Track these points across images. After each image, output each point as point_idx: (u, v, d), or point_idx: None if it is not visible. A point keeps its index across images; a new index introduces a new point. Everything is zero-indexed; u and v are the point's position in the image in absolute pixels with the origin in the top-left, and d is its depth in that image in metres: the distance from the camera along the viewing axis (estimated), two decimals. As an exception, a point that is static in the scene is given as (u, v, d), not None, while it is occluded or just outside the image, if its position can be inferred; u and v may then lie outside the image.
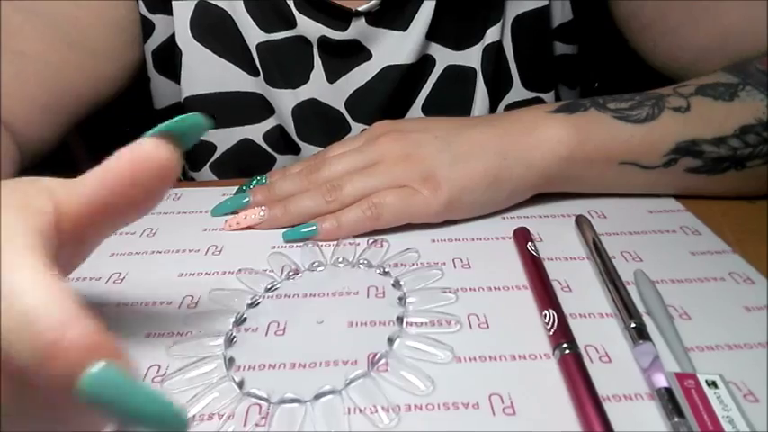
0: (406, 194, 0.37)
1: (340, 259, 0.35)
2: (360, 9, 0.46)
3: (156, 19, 0.49)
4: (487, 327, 0.30)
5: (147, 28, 0.50)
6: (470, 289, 0.32)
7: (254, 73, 0.49)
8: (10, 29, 0.44)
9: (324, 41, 0.47)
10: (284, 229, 0.38)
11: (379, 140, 0.39)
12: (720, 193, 0.40)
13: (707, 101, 0.38)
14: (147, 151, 0.20)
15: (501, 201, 0.39)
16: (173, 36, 0.49)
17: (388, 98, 0.49)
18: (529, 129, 0.38)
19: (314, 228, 0.37)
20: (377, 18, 0.47)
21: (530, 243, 0.35)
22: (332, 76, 0.49)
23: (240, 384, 0.26)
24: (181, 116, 0.22)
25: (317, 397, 0.25)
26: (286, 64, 0.49)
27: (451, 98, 0.50)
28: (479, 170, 0.37)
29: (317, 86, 0.49)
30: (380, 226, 0.37)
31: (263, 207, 0.39)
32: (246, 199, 0.40)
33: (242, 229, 0.39)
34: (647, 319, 0.29)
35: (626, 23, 0.49)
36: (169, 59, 0.51)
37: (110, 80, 0.49)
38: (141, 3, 0.49)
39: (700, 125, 0.37)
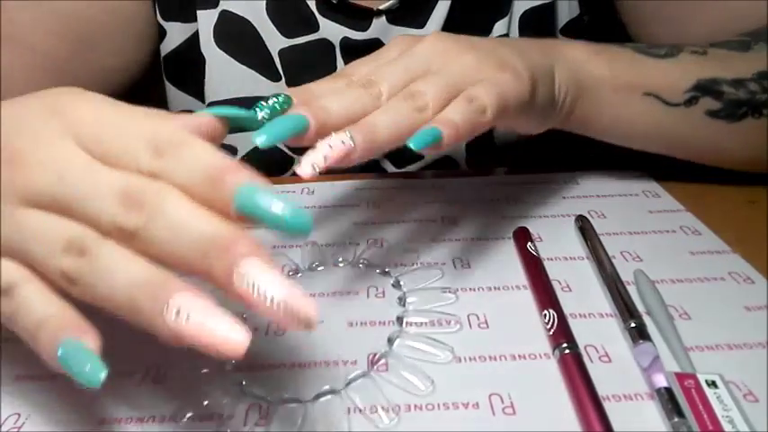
0: (492, 84, 0.30)
1: (340, 259, 0.35)
2: (380, 8, 0.47)
3: (169, 26, 0.50)
4: (487, 327, 0.30)
5: (159, 35, 0.51)
6: (470, 289, 0.32)
7: (276, 78, 0.50)
8: (21, 24, 0.45)
9: (346, 43, 0.48)
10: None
11: (424, 41, 0.32)
12: (737, 151, 0.40)
13: (722, 50, 0.39)
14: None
15: (555, 101, 0.36)
16: (183, 44, 0.50)
17: None
18: (556, 45, 0.37)
19: (438, 132, 0.27)
20: (396, 16, 0.48)
21: (530, 243, 0.35)
22: None
23: (240, 384, 0.26)
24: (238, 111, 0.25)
25: (317, 397, 0.25)
26: (309, 67, 0.49)
27: None
28: (537, 61, 0.34)
29: None
30: (489, 119, 0.29)
31: (348, 132, 0.27)
32: (303, 125, 0.27)
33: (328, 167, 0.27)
34: (646, 319, 0.29)
35: (629, 14, 0.50)
36: (179, 68, 0.52)
37: (115, 74, 0.50)
38: (156, 9, 0.49)
39: (719, 66, 0.38)
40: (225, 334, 0.18)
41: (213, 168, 0.20)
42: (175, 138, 0.21)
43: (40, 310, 0.21)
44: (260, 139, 0.25)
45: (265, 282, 0.19)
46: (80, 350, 0.20)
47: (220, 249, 0.19)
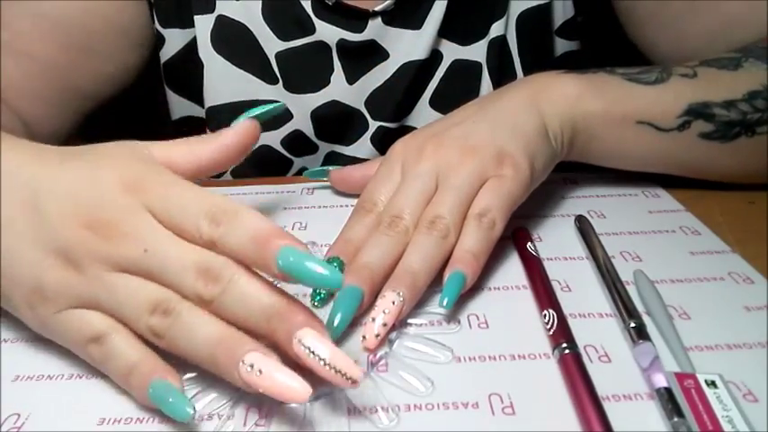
0: (496, 186, 0.33)
1: (340, 259, 0.35)
2: (376, 9, 0.47)
3: (167, 33, 0.51)
4: (487, 327, 0.30)
5: (158, 42, 0.51)
6: (470, 289, 0.32)
7: (273, 81, 0.51)
8: (20, 32, 0.45)
9: (342, 45, 0.48)
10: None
11: (424, 156, 0.34)
12: (733, 168, 0.40)
13: (712, 70, 0.39)
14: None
15: (552, 155, 0.37)
16: (182, 50, 0.51)
17: (404, 94, 0.50)
18: (546, 86, 0.38)
19: (462, 279, 0.30)
20: (392, 17, 0.48)
21: (529, 243, 0.35)
22: (352, 78, 0.50)
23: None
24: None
25: (317, 397, 0.25)
26: (306, 70, 0.50)
27: (458, 91, 0.51)
28: (532, 128, 0.36)
29: (338, 88, 0.50)
30: (499, 230, 0.32)
31: (395, 290, 0.29)
32: (359, 296, 0.29)
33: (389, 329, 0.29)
34: (646, 319, 0.29)
35: (627, 16, 0.50)
36: (178, 74, 0.53)
37: (112, 79, 0.51)
38: (154, 17, 0.50)
39: (709, 88, 0.38)
40: (291, 386, 0.22)
41: (260, 232, 0.24)
42: (228, 207, 0.24)
43: (129, 356, 0.25)
44: (336, 324, 0.28)
45: (319, 348, 0.23)
46: (169, 389, 0.24)
47: (281, 317, 0.24)
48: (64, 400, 0.26)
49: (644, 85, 0.38)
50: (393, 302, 0.29)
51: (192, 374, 0.27)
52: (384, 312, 0.28)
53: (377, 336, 0.28)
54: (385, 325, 0.28)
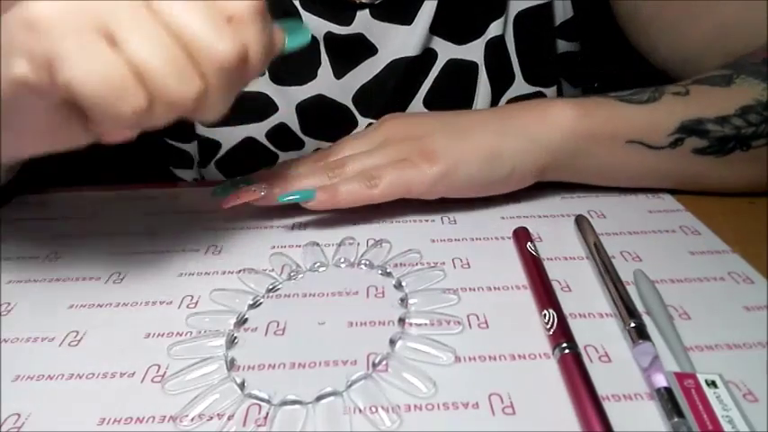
0: (402, 166, 0.38)
1: (341, 260, 0.35)
2: (363, 1, 0.47)
3: None
4: (487, 327, 0.30)
5: None
6: (470, 289, 0.32)
7: (260, 72, 0.50)
8: None
9: (330, 38, 0.48)
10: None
11: (384, 125, 0.41)
12: (729, 180, 0.40)
13: (704, 87, 0.39)
14: None
15: (502, 178, 0.39)
16: None
17: (394, 92, 0.50)
18: (532, 107, 0.39)
19: (310, 192, 0.38)
20: (381, 11, 0.48)
21: (529, 243, 0.35)
22: (339, 72, 0.50)
23: (242, 386, 0.26)
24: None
25: (319, 399, 0.25)
26: (293, 62, 0.49)
27: (454, 91, 0.51)
28: (476, 145, 0.38)
29: (325, 82, 0.50)
30: (377, 197, 0.38)
31: (263, 185, 0.38)
32: (250, 183, 0.39)
33: (240, 204, 0.38)
34: (646, 319, 0.29)
35: (627, 21, 0.50)
36: None
37: None
38: None
39: (702, 105, 0.38)
40: None
41: None
42: None
43: None
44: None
45: None
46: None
47: None
48: (64, 400, 0.26)
49: (636, 104, 0.38)
50: (254, 191, 0.38)
51: (194, 375, 0.27)
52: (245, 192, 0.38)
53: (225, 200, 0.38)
54: (238, 197, 0.38)
